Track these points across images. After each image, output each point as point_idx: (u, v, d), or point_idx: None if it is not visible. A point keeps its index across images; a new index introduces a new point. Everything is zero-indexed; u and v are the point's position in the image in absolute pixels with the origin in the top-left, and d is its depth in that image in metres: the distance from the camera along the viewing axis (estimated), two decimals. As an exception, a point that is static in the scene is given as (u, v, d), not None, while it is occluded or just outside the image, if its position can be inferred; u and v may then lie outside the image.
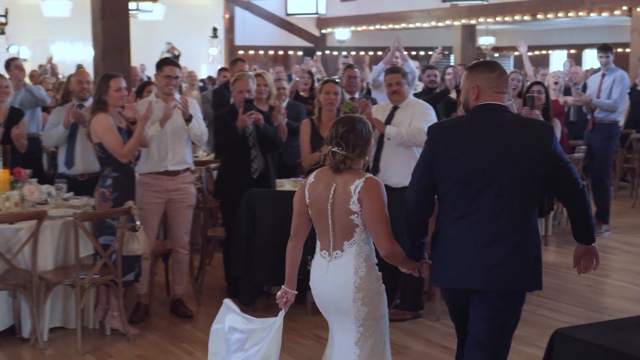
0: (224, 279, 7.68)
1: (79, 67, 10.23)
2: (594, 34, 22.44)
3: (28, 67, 17.26)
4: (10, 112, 8.05)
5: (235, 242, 7.00)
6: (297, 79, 10.97)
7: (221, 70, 11.44)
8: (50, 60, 16.41)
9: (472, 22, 20.74)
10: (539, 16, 18.97)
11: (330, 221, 4.23)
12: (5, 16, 20.71)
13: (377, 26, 23.74)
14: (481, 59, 18.31)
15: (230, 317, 4.39)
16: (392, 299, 6.50)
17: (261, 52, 25.38)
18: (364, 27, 24.34)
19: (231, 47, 24.82)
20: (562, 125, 9.01)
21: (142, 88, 8.41)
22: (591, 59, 23.58)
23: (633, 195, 12.50)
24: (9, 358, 6.06)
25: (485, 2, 18.41)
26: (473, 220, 4.08)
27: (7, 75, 8.96)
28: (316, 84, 10.61)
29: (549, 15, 18.69)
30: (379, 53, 23.62)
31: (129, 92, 6.97)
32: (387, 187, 4.42)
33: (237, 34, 25.03)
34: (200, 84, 16.38)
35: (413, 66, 10.33)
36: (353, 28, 24.80)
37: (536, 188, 4.11)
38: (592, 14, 17.76)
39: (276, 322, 4.27)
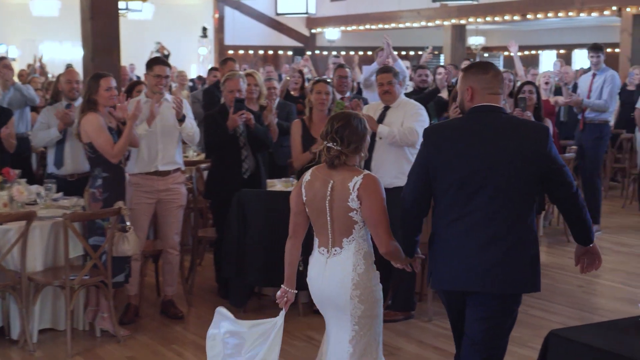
0: (215, 280, 7.65)
1: (68, 67, 10.15)
2: (584, 34, 22.49)
3: (16, 67, 17.18)
4: (-2, 112, 7.99)
5: (226, 243, 6.97)
6: (288, 78, 10.95)
7: (211, 69, 11.40)
8: (40, 59, 16.34)
9: (462, 22, 20.75)
10: (528, 16, 18.99)
11: (328, 218, 4.22)
12: (-7, 15, 20.67)
13: (367, 26, 23.74)
14: (471, 60, 18.43)
15: (225, 324, 4.36)
16: (384, 300, 6.46)
17: (251, 51, 25.35)
18: (354, 27, 24.34)
19: (221, 47, 24.78)
20: (552, 125, 9.00)
21: (132, 88, 8.38)
22: (581, 59, 23.65)
23: (623, 195, 12.51)
24: (-3, 360, 6.03)
25: (475, 2, 18.43)
26: (468, 222, 4.07)
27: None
28: (306, 84, 10.60)
29: (539, 15, 18.72)
30: (369, 53, 23.65)
31: (119, 92, 6.92)
32: (379, 187, 4.40)
33: (226, 34, 24.99)
34: (190, 83, 16.34)
35: (403, 66, 10.31)
36: (343, 28, 24.79)
37: (531, 189, 4.10)
38: (581, 14, 17.79)
39: (277, 323, 4.26)
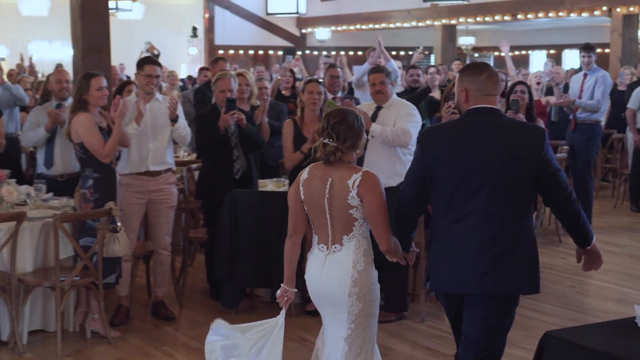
0: (206, 281, 7.61)
1: (58, 66, 10.10)
2: (574, 34, 22.52)
3: (6, 66, 17.09)
4: (-13, 112, 7.95)
5: (218, 244, 6.93)
6: (279, 77, 10.92)
7: (202, 69, 11.36)
8: (29, 59, 16.27)
9: (453, 22, 20.75)
10: (519, 16, 19.00)
11: (328, 216, 4.20)
12: (-19, 15, 20.56)
13: (358, 26, 23.72)
14: (461, 59, 18.45)
15: (224, 331, 4.32)
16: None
17: (241, 51, 25.31)
18: (344, 27, 24.31)
19: (211, 47, 24.73)
20: (544, 126, 9.00)
21: (122, 87, 8.34)
22: (571, 59, 23.69)
23: (614, 196, 12.52)
24: (-13, 362, 5.98)
25: (465, 2, 18.44)
26: (466, 224, 4.07)
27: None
28: (297, 83, 10.57)
29: (529, 16, 18.73)
30: (359, 53, 23.65)
31: (111, 93, 6.88)
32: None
33: (217, 34, 24.94)
34: (180, 83, 16.29)
35: (395, 66, 10.29)
36: (333, 28, 24.77)
37: (528, 190, 4.10)
38: (572, 14, 17.81)
39: (278, 322, 4.25)
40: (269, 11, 23.63)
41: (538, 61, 24.14)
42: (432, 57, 22.40)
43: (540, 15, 18.41)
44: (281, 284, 4.40)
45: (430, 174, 4.15)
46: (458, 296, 4.21)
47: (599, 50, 11.53)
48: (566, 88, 11.52)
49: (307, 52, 25.72)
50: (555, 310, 7.13)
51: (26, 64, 16.58)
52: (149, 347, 6.28)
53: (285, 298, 4.40)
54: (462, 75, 4.26)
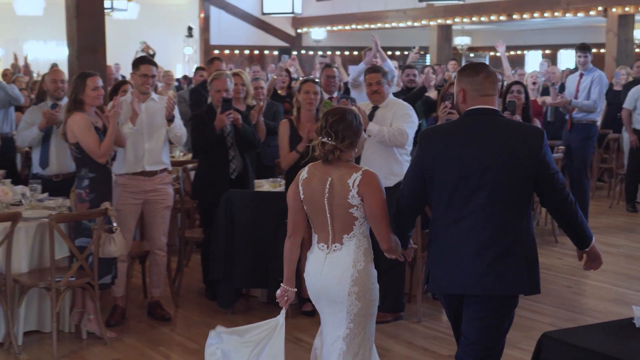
0: (202, 281, 7.60)
1: (54, 66, 10.08)
2: (569, 34, 22.55)
3: (1, 66, 17.07)
4: (-18, 112, 7.92)
5: (214, 244, 6.91)
6: (275, 77, 10.91)
7: (198, 69, 11.35)
8: (25, 59, 16.24)
9: (448, 22, 20.75)
10: (514, 16, 19.01)
11: (328, 215, 4.19)
12: (-24, 15, 20.51)
13: (353, 26, 23.71)
14: (457, 59, 18.44)
15: (224, 336, 4.30)
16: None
17: (237, 51, 25.28)
18: (340, 27, 24.30)
19: (206, 47, 24.69)
20: (540, 125, 9.00)
21: (118, 87, 8.30)
22: (566, 59, 23.71)
23: (610, 196, 12.52)
24: (-18, 363, 5.96)
25: (461, 2, 18.44)
26: (465, 225, 4.06)
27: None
28: (293, 83, 10.56)
29: (525, 16, 18.74)
30: (355, 53, 23.65)
31: (106, 92, 6.86)
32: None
33: (212, 33, 24.90)
34: (176, 83, 16.27)
35: (392, 65, 10.28)
36: (329, 28, 24.76)
37: (527, 191, 4.09)
38: (567, 15, 17.82)
39: (279, 322, 4.23)
40: (265, 11, 23.61)
41: (534, 61, 24.16)
42: (428, 57, 22.39)
43: (535, 15, 18.42)
44: (281, 284, 4.38)
45: (429, 175, 4.15)
46: (458, 296, 4.20)
47: (594, 50, 11.52)
48: (562, 88, 11.51)
49: (303, 52, 25.70)
50: (552, 311, 7.13)
51: (21, 63, 16.51)
52: (144, 348, 6.27)
53: (285, 298, 4.38)
54: (460, 75, 4.26)
